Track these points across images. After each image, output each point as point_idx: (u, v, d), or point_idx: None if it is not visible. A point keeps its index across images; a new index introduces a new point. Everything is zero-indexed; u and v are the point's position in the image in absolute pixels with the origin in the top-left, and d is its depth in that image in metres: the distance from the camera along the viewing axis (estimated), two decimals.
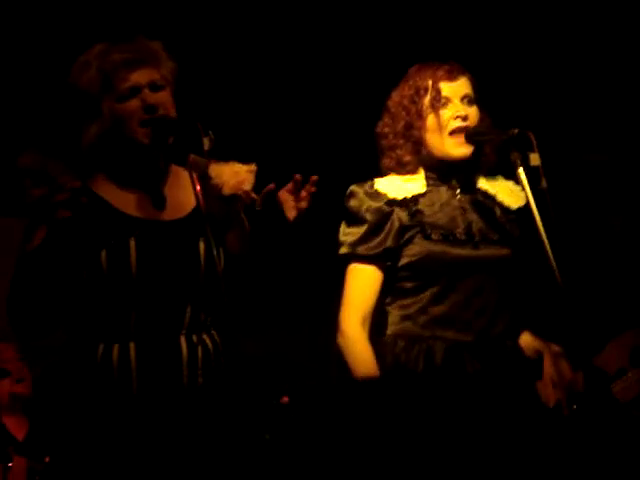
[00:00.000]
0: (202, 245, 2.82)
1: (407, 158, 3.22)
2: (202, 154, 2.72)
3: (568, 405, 3.16)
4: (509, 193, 3.29)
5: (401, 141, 3.23)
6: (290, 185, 2.82)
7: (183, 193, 2.89)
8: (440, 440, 3.07)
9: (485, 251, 3.19)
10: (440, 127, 3.18)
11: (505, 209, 3.27)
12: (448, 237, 3.16)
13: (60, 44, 4.44)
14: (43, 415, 4.40)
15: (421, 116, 3.20)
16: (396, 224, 3.17)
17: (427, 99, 3.20)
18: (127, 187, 2.84)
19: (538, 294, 3.24)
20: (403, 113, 3.23)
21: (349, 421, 3.18)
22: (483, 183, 3.29)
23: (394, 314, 3.19)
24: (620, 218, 4.38)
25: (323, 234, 3.36)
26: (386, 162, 3.27)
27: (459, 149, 3.17)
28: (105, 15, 4.60)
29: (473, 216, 3.23)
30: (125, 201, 2.83)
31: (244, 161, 2.80)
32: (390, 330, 3.19)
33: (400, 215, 3.18)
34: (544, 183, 2.94)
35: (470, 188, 3.27)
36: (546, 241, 2.91)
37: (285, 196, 2.82)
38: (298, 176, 2.81)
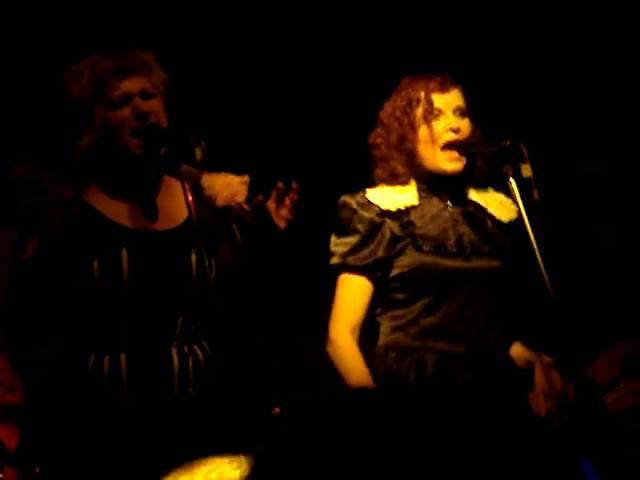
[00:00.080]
0: (194, 256, 2.81)
1: (400, 169, 3.22)
2: (194, 164, 2.72)
3: (559, 416, 3.16)
4: (500, 206, 3.29)
5: (394, 152, 3.23)
6: (273, 193, 2.82)
7: (175, 203, 2.89)
8: (432, 451, 3.07)
9: (476, 263, 3.19)
10: (432, 139, 3.18)
11: (496, 221, 3.28)
12: (439, 249, 3.17)
13: (53, 54, 4.44)
14: (35, 425, 4.38)
15: (413, 127, 3.20)
16: (387, 235, 3.17)
17: (419, 111, 3.20)
18: (119, 197, 2.84)
19: (529, 306, 3.24)
20: (395, 124, 3.23)
21: (341, 432, 3.18)
22: (474, 195, 3.30)
23: (385, 325, 3.19)
24: (612, 230, 4.38)
25: (314, 244, 3.36)
26: (379, 173, 3.27)
27: (451, 164, 3.18)
28: (98, 26, 4.60)
29: (464, 228, 3.23)
30: (117, 211, 2.83)
31: (236, 172, 2.80)
32: (381, 341, 3.19)
33: (391, 226, 3.18)
34: (536, 195, 2.94)
35: (461, 200, 3.27)
36: (537, 252, 2.91)
37: (272, 206, 2.82)
38: (280, 184, 2.81)
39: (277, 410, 4.31)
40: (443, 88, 3.21)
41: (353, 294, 3.18)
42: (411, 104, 3.21)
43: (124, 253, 2.75)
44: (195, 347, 2.83)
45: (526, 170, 2.96)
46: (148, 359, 2.75)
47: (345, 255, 3.17)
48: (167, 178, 2.92)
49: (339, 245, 3.20)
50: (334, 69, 4.96)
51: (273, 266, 2.92)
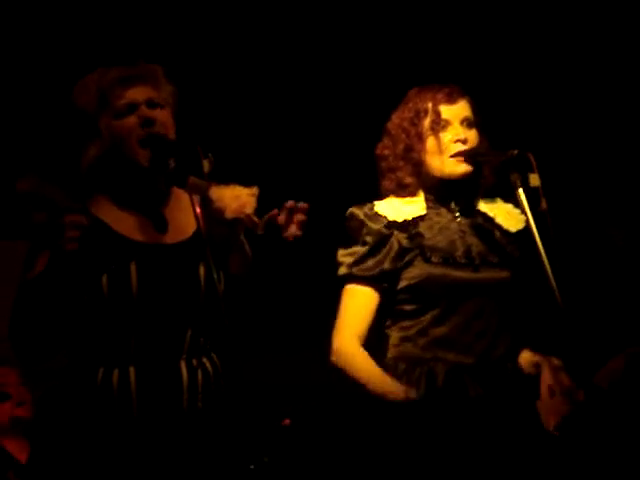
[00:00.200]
0: (202, 268, 2.81)
1: (407, 180, 3.23)
2: (202, 177, 2.72)
3: (567, 421, 3.14)
4: (508, 216, 3.29)
5: (401, 163, 3.23)
6: (282, 211, 2.79)
7: (184, 215, 2.88)
8: (442, 462, 3.06)
9: (485, 274, 3.19)
10: (440, 150, 3.19)
11: (504, 231, 3.28)
12: (448, 260, 3.16)
13: (59, 67, 4.46)
14: (44, 438, 4.38)
15: (421, 138, 3.21)
16: (395, 247, 3.17)
17: (427, 122, 3.21)
18: (127, 209, 2.83)
19: (538, 316, 3.23)
20: (403, 135, 3.24)
21: (351, 444, 3.18)
22: (482, 206, 3.30)
23: (394, 336, 3.18)
24: (622, 232, 4.38)
25: (324, 256, 3.36)
26: (386, 184, 3.27)
27: (459, 167, 3.18)
28: (104, 38, 4.62)
29: (473, 239, 3.23)
30: (125, 224, 2.82)
31: (245, 184, 2.80)
32: (390, 353, 3.18)
33: (399, 238, 3.18)
34: (544, 204, 2.94)
35: (469, 211, 3.27)
36: (546, 262, 2.91)
37: (282, 220, 2.81)
38: (289, 203, 2.78)
39: (287, 422, 4.30)
40: (450, 99, 3.22)
41: (358, 303, 3.17)
42: (419, 115, 3.22)
43: (133, 267, 2.75)
44: (204, 360, 2.82)
45: (534, 179, 2.96)
46: (157, 372, 2.74)
47: (352, 265, 3.17)
48: (176, 190, 2.91)
49: (346, 256, 3.20)
50: (342, 80, 4.97)
51: (282, 278, 2.91)
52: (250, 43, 4.91)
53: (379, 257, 3.16)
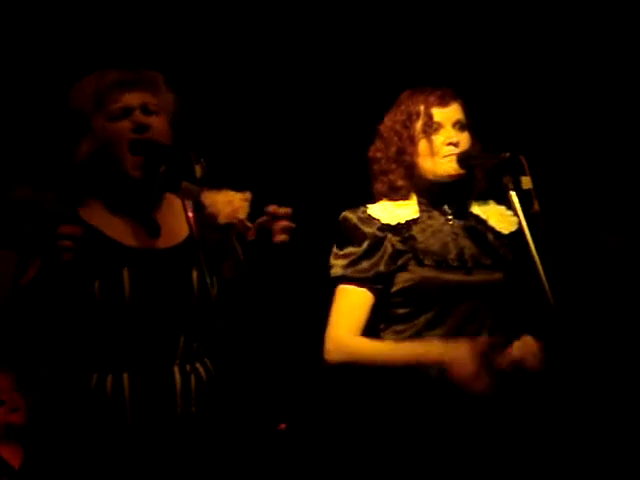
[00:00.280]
0: (195, 273, 2.81)
1: (399, 183, 3.23)
2: (194, 182, 2.72)
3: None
4: (500, 218, 3.29)
5: (393, 166, 3.23)
6: (268, 216, 2.77)
7: (177, 220, 2.88)
8: (440, 465, 3.07)
9: (478, 276, 3.19)
10: (432, 153, 3.19)
11: (497, 234, 3.28)
12: (441, 263, 3.16)
13: (58, 69, 4.46)
14: (38, 445, 4.38)
15: (413, 141, 3.21)
16: (389, 250, 3.17)
17: (419, 124, 3.21)
18: (120, 214, 2.82)
19: (531, 317, 3.24)
20: (395, 138, 3.24)
21: (348, 447, 3.17)
22: (475, 208, 3.30)
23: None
24: (617, 236, 4.38)
25: (317, 260, 3.36)
26: (378, 187, 3.27)
27: (451, 166, 3.18)
28: (101, 43, 4.62)
29: (465, 242, 3.23)
30: (118, 229, 2.81)
31: (237, 189, 2.80)
32: None
33: (393, 241, 3.18)
34: (536, 206, 2.95)
35: (462, 213, 3.27)
36: (539, 264, 2.92)
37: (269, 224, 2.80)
38: (270, 209, 2.76)
39: (283, 426, 4.30)
40: (443, 102, 3.22)
41: (352, 303, 3.15)
42: (411, 118, 3.22)
43: (125, 273, 2.74)
44: (197, 365, 2.82)
45: (526, 182, 2.97)
46: (150, 378, 2.74)
47: (346, 267, 3.17)
48: (168, 195, 2.91)
49: (339, 258, 3.19)
50: (335, 84, 4.97)
51: (275, 282, 2.91)
52: (241, 47, 4.92)
53: (374, 259, 3.16)
